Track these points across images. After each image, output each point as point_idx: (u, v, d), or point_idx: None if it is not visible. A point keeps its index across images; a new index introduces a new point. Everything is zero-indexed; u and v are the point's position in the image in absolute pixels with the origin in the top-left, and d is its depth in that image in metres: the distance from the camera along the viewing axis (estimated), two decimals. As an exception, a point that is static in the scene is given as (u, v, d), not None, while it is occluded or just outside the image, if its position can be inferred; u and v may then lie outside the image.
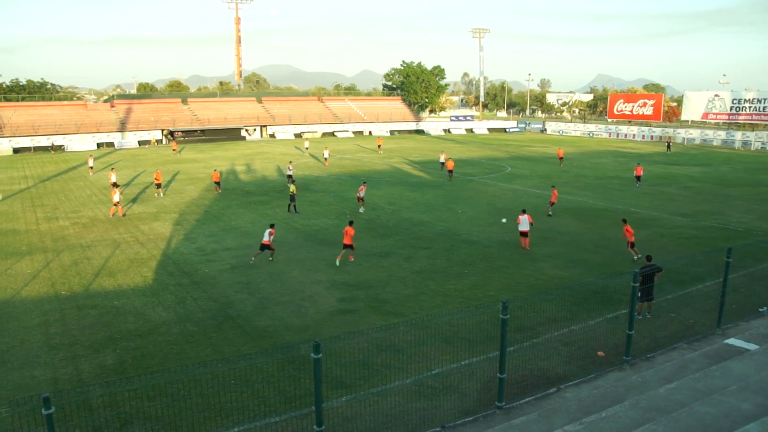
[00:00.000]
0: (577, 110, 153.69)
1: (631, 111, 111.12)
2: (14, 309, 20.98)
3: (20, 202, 43.01)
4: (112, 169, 50.58)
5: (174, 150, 79.89)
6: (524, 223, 28.10)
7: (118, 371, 16.13)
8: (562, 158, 62.39)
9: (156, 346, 17.79)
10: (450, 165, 51.19)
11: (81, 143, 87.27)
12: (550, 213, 36.10)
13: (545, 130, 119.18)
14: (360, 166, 62.59)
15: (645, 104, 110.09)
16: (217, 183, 45.72)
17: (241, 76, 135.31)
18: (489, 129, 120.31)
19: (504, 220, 33.55)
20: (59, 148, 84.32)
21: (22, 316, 20.29)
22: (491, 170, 58.08)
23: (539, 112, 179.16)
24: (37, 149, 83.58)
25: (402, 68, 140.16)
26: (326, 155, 63.87)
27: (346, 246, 26.22)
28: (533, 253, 27.67)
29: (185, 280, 24.27)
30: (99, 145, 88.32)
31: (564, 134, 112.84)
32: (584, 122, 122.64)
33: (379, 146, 78.99)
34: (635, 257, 25.70)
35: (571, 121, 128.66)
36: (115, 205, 37.29)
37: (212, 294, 22.47)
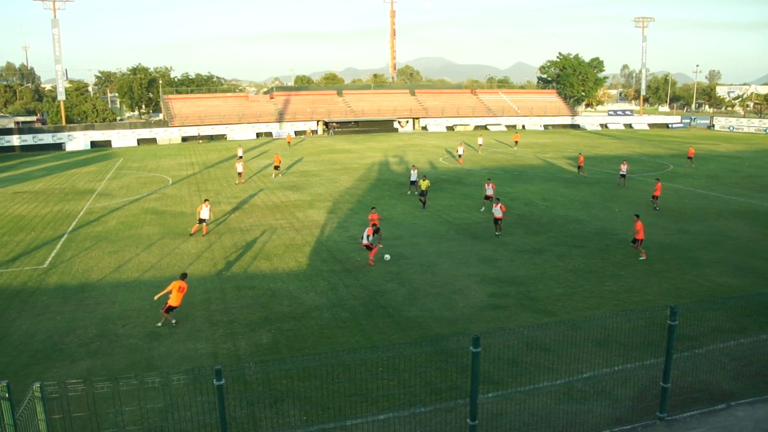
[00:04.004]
0: (751, 104, 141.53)
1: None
2: (181, 285, 22.35)
3: (187, 187, 46.12)
4: (239, 146, 52.38)
5: (288, 143, 78.92)
6: None
7: (272, 351, 16.73)
8: (691, 158, 56.24)
9: (308, 330, 18.27)
10: (581, 161, 49.73)
11: (242, 133, 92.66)
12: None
13: (713, 126, 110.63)
14: (513, 160, 61.27)
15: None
16: (376, 229, 27.31)
17: (394, 69, 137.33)
18: (649, 124, 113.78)
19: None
20: (210, 139, 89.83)
21: (187, 292, 21.56)
22: (651, 168, 54.76)
23: (706, 106, 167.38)
24: (202, 138, 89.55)
25: (558, 60, 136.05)
26: (460, 152, 59.99)
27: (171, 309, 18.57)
28: (698, 258, 25.60)
29: (338, 267, 24.79)
30: (258, 135, 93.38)
31: (735, 130, 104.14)
32: (760, 117, 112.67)
33: (516, 142, 75.23)
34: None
35: (744, 116, 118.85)
36: (239, 174, 47.67)
37: (364, 282, 22.77)
